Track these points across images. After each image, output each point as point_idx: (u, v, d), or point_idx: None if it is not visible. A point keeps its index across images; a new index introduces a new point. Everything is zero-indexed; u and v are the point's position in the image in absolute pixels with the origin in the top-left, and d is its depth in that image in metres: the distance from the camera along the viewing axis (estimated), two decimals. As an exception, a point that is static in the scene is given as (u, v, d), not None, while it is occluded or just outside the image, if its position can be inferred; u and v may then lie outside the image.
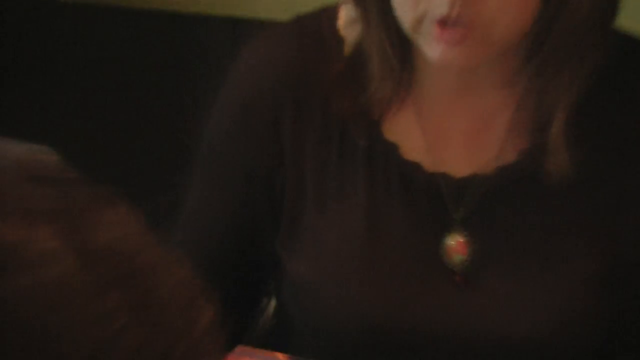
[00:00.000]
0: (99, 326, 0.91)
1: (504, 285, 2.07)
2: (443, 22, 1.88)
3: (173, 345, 0.96)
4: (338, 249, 2.13)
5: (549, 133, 2.02)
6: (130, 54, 3.49)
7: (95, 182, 0.98)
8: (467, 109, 2.11)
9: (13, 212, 0.92)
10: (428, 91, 2.10)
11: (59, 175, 1.00)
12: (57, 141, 1.09)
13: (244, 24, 2.82)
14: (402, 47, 2.05)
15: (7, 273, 0.88)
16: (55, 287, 0.90)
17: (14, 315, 0.88)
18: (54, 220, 0.94)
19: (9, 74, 3.48)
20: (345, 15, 2.11)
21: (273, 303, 2.40)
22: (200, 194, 2.27)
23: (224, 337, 1.01)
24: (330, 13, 2.13)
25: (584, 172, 2.04)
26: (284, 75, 2.16)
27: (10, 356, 0.88)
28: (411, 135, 2.11)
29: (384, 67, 2.06)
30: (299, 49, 2.16)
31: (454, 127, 2.12)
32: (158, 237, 0.99)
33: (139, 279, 0.96)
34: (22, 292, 0.88)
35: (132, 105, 3.37)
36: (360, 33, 2.08)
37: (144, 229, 0.99)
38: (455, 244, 2.05)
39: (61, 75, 3.49)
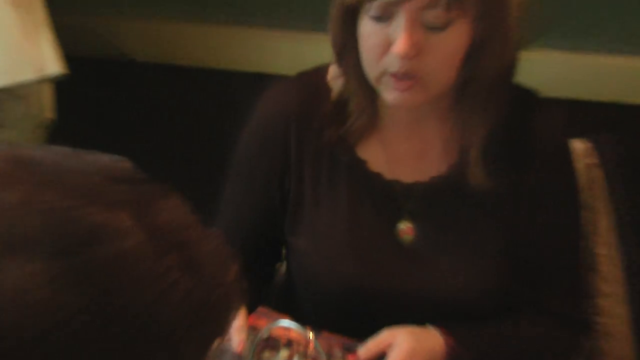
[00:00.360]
0: (160, 279, 1.18)
1: (438, 258, 2.49)
2: (395, 76, 2.28)
3: (211, 292, 1.24)
4: (327, 232, 2.55)
5: (469, 154, 2.43)
6: (184, 99, 3.77)
7: (158, 182, 1.29)
8: (413, 136, 2.53)
9: (100, 202, 1.20)
10: (387, 124, 2.52)
11: (131, 176, 1.28)
12: (135, 157, 1.34)
13: (265, 77, 2.98)
14: (369, 94, 2.44)
15: (97, 243, 1.16)
16: (129, 253, 1.17)
17: (102, 271, 1.14)
18: (128, 207, 1.21)
19: (102, 119, 3.72)
20: (333, 72, 2.52)
21: (284, 267, 2.82)
22: (233, 193, 2.69)
23: (245, 286, 1.31)
24: (322, 70, 2.57)
25: (493, 181, 2.42)
26: (290, 113, 2.57)
27: (103, 298, 1.15)
28: (376, 154, 2.53)
29: (357, 108, 2.47)
30: (301, 95, 2.58)
31: (405, 148, 2.54)
32: (199, 219, 1.28)
33: (187, 247, 1.23)
34: (107, 257, 1.15)
35: (186, 135, 3.69)
36: (342, 85, 2.49)
37: (191, 213, 1.28)
38: (405, 228, 2.47)
39: (139, 117, 3.79)
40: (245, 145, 2.67)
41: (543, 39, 3.20)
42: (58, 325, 1.12)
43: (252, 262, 2.56)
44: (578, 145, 2.92)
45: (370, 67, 2.36)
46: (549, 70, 3.10)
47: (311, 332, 2.26)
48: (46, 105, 3.34)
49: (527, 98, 2.57)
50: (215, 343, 1.30)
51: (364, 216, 2.55)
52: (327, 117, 2.54)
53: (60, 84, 3.34)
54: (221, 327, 1.29)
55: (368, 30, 2.34)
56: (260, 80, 2.77)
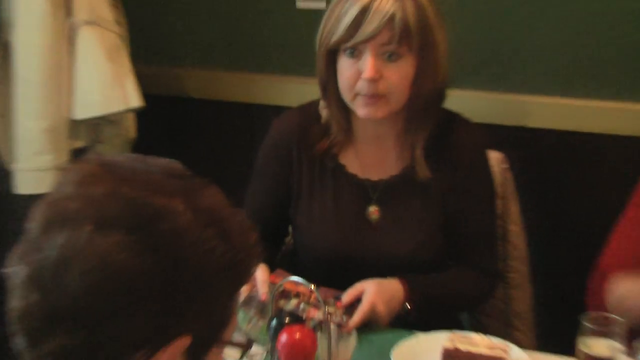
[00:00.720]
0: (203, 245, 1.41)
1: (395, 231, 2.89)
2: (366, 96, 2.72)
3: (238, 253, 1.47)
4: (318, 215, 2.95)
5: (417, 155, 2.83)
6: (225, 123, 3.96)
7: (199, 177, 1.51)
8: (377, 148, 2.93)
9: (161, 192, 1.42)
10: (359, 140, 2.93)
11: (181, 173, 1.50)
12: (188, 161, 1.57)
13: (279, 108, 3.31)
14: (346, 118, 2.88)
15: (159, 221, 1.38)
16: (181, 228, 1.40)
17: (163, 240, 1.37)
18: (180, 195, 1.43)
19: (168, 138, 3.99)
20: (321, 104, 2.94)
21: (290, 240, 3.16)
22: (254, 189, 3.04)
23: (262, 250, 1.54)
24: (315, 103, 2.98)
25: (432, 176, 2.84)
26: (293, 133, 2.97)
27: (165, 259, 1.36)
28: (352, 160, 2.94)
29: (337, 128, 2.90)
30: (300, 120, 2.99)
31: (372, 156, 2.93)
32: (230, 203, 1.51)
33: (221, 222, 1.46)
34: (166, 230, 1.38)
35: (225, 149, 3.91)
36: (327, 113, 2.91)
37: (223, 198, 1.51)
38: (373, 211, 2.92)
39: (194, 136, 4.04)
40: (262, 155, 3.04)
41: (471, 82, 3.51)
42: (133, 278, 1.34)
43: (268, 237, 2.92)
44: (495, 155, 3.22)
45: (347, 91, 2.76)
46: (475, 103, 3.38)
47: (313, 285, 2.36)
48: (130, 128, 3.67)
49: (454, 118, 2.93)
50: (241, 289, 1.58)
51: (344, 204, 2.95)
52: (318, 135, 2.95)
53: (139, 114, 3.64)
54: (245, 278, 1.53)
55: (344, 65, 2.74)
56: (276, 110, 3.18)
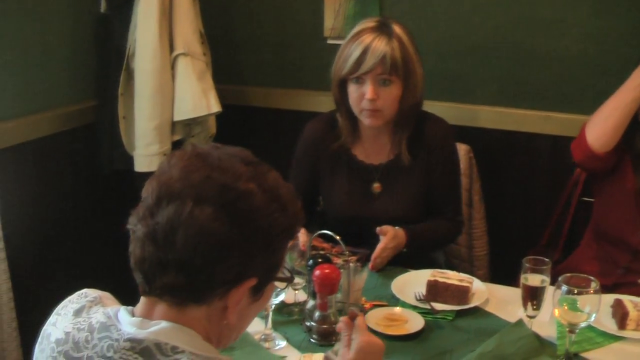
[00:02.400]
0: (270, 214, 1.40)
1: (392, 199, 2.85)
2: (368, 111, 2.72)
3: (290, 219, 1.45)
4: (338, 190, 2.90)
5: (401, 147, 2.82)
6: (277, 124, 3.91)
7: (264, 165, 1.47)
8: (376, 142, 2.88)
9: (241, 178, 1.39)
10: (363, 137, 2.89)
11: (252, 160, 1.46)
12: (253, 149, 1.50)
13: (313, 113, 3.16)
14: (353, 124, 2.86)
15: (240, 199, 1.36)
16: (255, 203, 1.38)
17: (243, 212, 1.36)
18: (252, 179, 1.40)
19: (238, 133, 3.89)
20: (337, 114, 2.89)
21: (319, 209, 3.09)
22: (294, 176, 2.96)
23: (305, 215, 1.51)
24: (334, 111, 2.92)
25: (415, 160, 2.82)
26: (318, 134, 2.93)
27: (244, 225, 1.35)
28: (360, 151, 2.89)
29: (347, 132, 2.88)
30: (323, 124, 2.95)
31: (373, 148, 2.89)
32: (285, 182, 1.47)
33: (281, 197, 1.43)
34: (245, 205, 1.36)
35: (276, 142, 3.71)
36: (340, 121, 2.88)
37: (281, 178, 1.47)
38: (376, 186, 2.87)
39: (255, 133, 3.98)
40: (298, 151, 2.99)
41: (443, 96, 3.51)
42: (222, 240, 1.34)
43: (306, 207, 2.55)
44: (463, 147, 3.27)
45: (355, 107, 2.77)
46: (445, 110, 3.27)
47: (339, 237, 2.42)
48: (212, 127, 3.64)
49: (427, 116, 2.90)
50: (291, 242, 1.58)
51: (355, 181, 2.90)
52: (335, 135, 2.91)
53: (218, 117, 3.61)
54: (294, 235, 1.50)
55: (352, 89, 2.75)
56: (311, 115, 3.13)
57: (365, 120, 2.79)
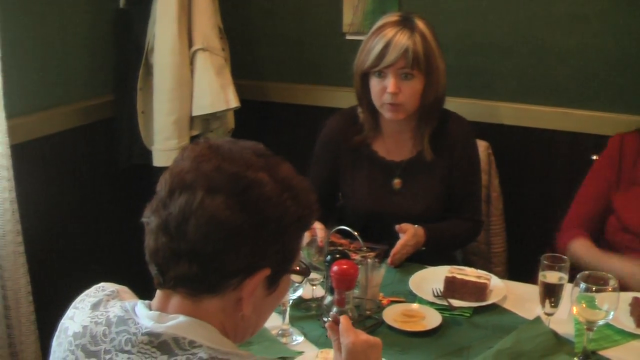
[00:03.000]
0: (281, 204, 1.40)
1: (412, 195, 2.85)
2: (389, 104, 2.73)
3: (303, 210, 1.45)
4: (359, 186, 2.90)
5: (423, 144, 2.83)
6: (296, 119, 3.90)
7: (277, 157, 1.47)
8: (397, 139, 2.89)
9: (252, 167, 1.39)
10: (385, 133, 2.90)
11: (264, 152, 1.46)
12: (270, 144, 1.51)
13: (331, 109, 3.21)
14: (375, 118, 2.86)
15: (251, 188, 1.36)
16: (266, 193, 1.38)
17: (254, 202, 1.36)
18: (265, 170, 1.41)
19: (254, 128, 3.86)
20: (359, 109, 2.90)
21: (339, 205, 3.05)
22: (314, 171, 2.97)
23: (320, 209, 1.49)
24: (355, 107, 2.94)
25: (437, 158, 2.83)
26: (339, 129, 2.93)
27: (255, 214, 1.36)
28: (380, 147, 2.89)
29: (368, 126, 2.88)
30: (345, 120, 2.96)
31: (394, 144, 2.89)
32: (299, 174, 1.46)
33: (293, 188, 1.43)
34: (256, 195, 1.36)
35: (295, 137, 3.79)
36: (362, 116, 2.89)
37: (294, 170, 1.46)
38: (397, 182, 2.87)
39: (274, 128, 3.98)
40: (318, 147, 2.99)
41: (464, 92, 3.48)
42: (232, 228, 1.35)
43: (324, 202, 2.57)
44: (482, 143, 3.24)
45: (377, 100, 2.78)
46: (466, 107, 3.29)
47: (357, 233, 2.44)
48: (230, 121, 3.62)
49: (450, 115, 2.91)
50: (305, 235, 1.57)
51: (376, 177, 2.90)
52: (356, 131, 2.92)
53: (236, 112, 3.60)
54: (307, 226, 1.50)
55: (374, 83, 2.77)
56: (330, 111, 3.13)
57: (386, 114, 2.79)
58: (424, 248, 2.74)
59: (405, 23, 2.72)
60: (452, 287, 2.44)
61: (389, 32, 2.71)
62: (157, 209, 1.38)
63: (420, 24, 2.73)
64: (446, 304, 2.39)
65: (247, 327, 1.50)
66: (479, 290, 2.42)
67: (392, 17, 2.77)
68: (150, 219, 1.40)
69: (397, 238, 2.71)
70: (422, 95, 2.76)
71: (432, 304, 2.41)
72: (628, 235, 2.77)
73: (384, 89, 2.74)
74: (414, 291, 2.47)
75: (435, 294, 2.46)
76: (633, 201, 2.78)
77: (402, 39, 2.68)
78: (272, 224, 1.38)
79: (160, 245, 1.37)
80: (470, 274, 2.48)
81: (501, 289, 2.49)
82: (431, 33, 2.74)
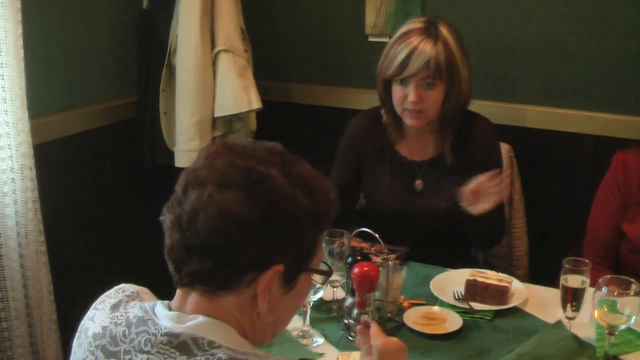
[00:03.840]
0: (293, 199, 1.39)
1: (433, 196, 2.86)
2: (410, 112, 2.76)
3: (319, 206, 1.45)
4: (380, 186, 2.92)
5: (445, 146, 2.85)
6: (318, 119, 3.91)
7: (293, 155, 1.47)
8: (419, 140, 2.90)
9: (264, 163, 1.41)
10: (407, 135, 2.91)
11: (279, 150, 1.47)
12: (289, 144, 1.52)
13: (354, 110, 3.27)
14: (397, 121, 2.87)
15: (262, 182, 1.37)
16: (277, 187, 1.38)
17: (265, 196, 1.37)
18: (275, 164, 1.41)
19: (277, 129, 3.81)
20: (382, 110, 2.91)
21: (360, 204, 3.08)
22: (336, 169, 2.99)
23: (340, 206, 1.50)
24: (379, 107, 2.94)
25: (458, 160, 2.84)
26: (363, 129, 2.97)
27: (266, 207, 1.36)
28: (403, 148, 2.91)
29: (392, 127, 2.90)
30: (369, 120, 2.98)
31: (416, 145, 2.91)
32: (316, 170, 1.47)
33: (307, 183, 1.43)
34: (267, 189, 1.37)
35: (316, 136, 3.89)
36: (385, 118, 2.91)
37: (312, 168, 1.47)
38: (418, 183, 2.89)
39: (295, 128, 3.99)
40: (342, 146, 3.02)
41: (489, 95, 3.49)
42: (244, 222, 1.35)
43: (346, 200, 2.83)
44: (505, 146, 3.22)
45: (398, 107, 2.81)
46: (490, 109, 3.26)
47: (378, 235, 2.41)
48: (252, 123, 3.63)
49: (474, 117, 2.92)
50: (323, 234, 1.50)
51: (398, 178, 2.91)
52: (380, 131, 2.94)
53: (259, 113, 3.60)
54: (324, 224, 1.48)
55: (396, 90, 2.79)
56: (352, 112, 3.19)
57: (407, 120, 2.81)
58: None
59: (430, 30, 2.73)
60: (474, 290, 2.44)
61: (414, 41, 2.72)
62: (172, 206, 1.40)
63: (444, 31, 2.73)
64: (467, 307, 2.39)
65: (266, 328, 1.49)
66: (500, 293, 2.42)
67: (417, 23, 2.77)
68: (165, 216, 1.42)
69: (418, 239, 2.77)
70: (443, 103, 2.78)
71: (452, 306, 2.40)
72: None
73: (405, 97, 2.75)
74: (435, 294, 2.47)
75: (456, 296, 2.45)
76: None
77: (426, 49, 2.69)
78: (283, 217, 1.38)
79: (174, 241, 1.39)
80: (491, 277, 2.47)
81: (522, 292, 2.49)
82: (455, 40, 2.75)
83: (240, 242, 1.35)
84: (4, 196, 2.88)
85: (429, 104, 2.76)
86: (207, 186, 1.36)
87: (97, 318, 1.48)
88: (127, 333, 1.40)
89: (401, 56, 2.72)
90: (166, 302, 1.45)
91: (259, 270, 1.39)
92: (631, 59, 3.27)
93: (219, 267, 1.37)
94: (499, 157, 2.96)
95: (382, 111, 2.93)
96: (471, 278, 2.46)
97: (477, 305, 2.40)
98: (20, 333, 2.97)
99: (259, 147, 1.44)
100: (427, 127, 2.86)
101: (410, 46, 2.71)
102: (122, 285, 1.56)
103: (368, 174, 2.96)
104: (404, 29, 2.78)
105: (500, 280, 2.46)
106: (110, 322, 1.44)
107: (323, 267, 1.57)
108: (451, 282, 2.53)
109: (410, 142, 2.93)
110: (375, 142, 2.93)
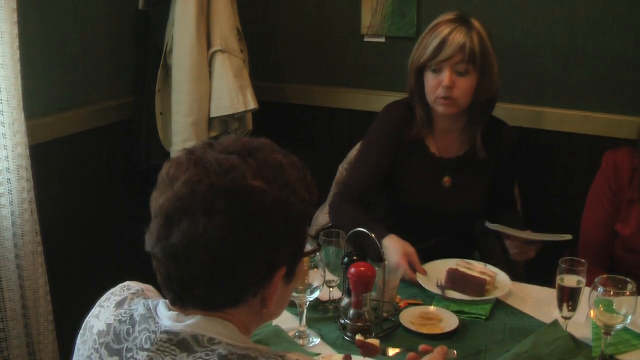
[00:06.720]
0: (283, 203, 1.36)
1: (461, 193, 2.92)
2: (443, 98, 2.79)
3: (306, 194, 1.43)
4: (409, 181, 2.93)
5: (475, 143, 2.90)
6: (317, 121, 3.88)
7: (263, 147, 1.41)
8: (449, 136, 2.94)
9: (242, 175, 1.34)
10: (437, 130, 2.94)
11: (247, 149, 1.39)
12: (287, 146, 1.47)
13: (350, 111, 3.38)
14: (428, 115, 2.91)
15: (247, 202, 1.33)
16: (267, 199, 1.34)
17: (252, 217, 1.33)
18: (256, 174, 1.35)
19: (275, 129, 3.75)
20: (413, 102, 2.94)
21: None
22: (368, 158, 2.96)
23: (316, 197, 1.46)
24: (408, 99, 2.98)
25: (487, 157, 2.90)
26: (397, 120, 2.95)
27: (256, 230, 1.33)
28: (432, 143, 2.94)
29: (422, 120, 2.92)
30: (406, 111, 2.97)
31: (445, 141, 2.95)
32: (306, 174, 1.44)
33: (288, 182, 1.39)
34: (254, 207, 1.33)
35: (317, 138, 3.86)
36: (416, 111, 2.91)
37: (283, 157, 1.41)
38: (446, 179, 2.93)
39: (293, 129, 3.98)
40: (378, 133, 3.00)
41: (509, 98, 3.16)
42: (242, 245, 1.33)
43: (371, 191, 2.96)
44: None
45: (431, 94, 2.85)
46: (511, 112, 3.14)
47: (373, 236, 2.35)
48: (249, 123, 3.65)
49: (501, 123, 3.02)
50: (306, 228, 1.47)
51: (426, 174, 2.95)
52: (410, 125, 2.95)
53: (255, 113, 3.64)
54: (308, 219, 1.47)
55: (429, 77, 2.85)
56: (348, 113, 3.27)
57: (438, 107, 2.86)
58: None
59: (461, 21, 2.81)
60: (453, 279, 2.50)
61: (445, 29, 2.80)
62: (159, 239, 1.36)
63: (476, 23, 2.81)
64: (440, 293, 2.47)
65: (271, 317, 1.53)
66: (477, 285, 2.48)
67: (448, 15, 2.85)
68: (154, 249, 1.38)
69: (443, 235, 2.92)
70: (474, 92, 2.84)
71: (427, 290, 2.48)
72: (634, 255, 2.79)
73: (438, 83, 2.81)
74: (420, 282, 2.52)
75: (439, 284, 2.52)
76: (635, 221, 2.78)
77: (459, 36, 2.76)
78: (279, 229, 1.36)
79: (172, 272, 1.37)
80: (476, 268, 2.55)
81: (505, 285, 2.53)
82: (486, 33, 2.83)
83: (245, 264, 1.34)
84: (0, 197, 2.87)
85: (461, 92, 2.82)
86: (196, 217, 1.31)
87: (102, 315, 1.48)
88: (130, 331, 1.40)
89: (434, 43, 2.79)
90: (168, 300, 1.45)
91: (264, 281, 1.39)
92: (626, 59, 3.27)
93: (226, 289, 1.37)
94: (519, 160, 3.09)
95: (413, 104, 2.96)
96: (453, 267, 2.52)
97: (455, 294, 2.46)
98: (17, 333, 2.96)
99: (229, 156, 1.36)
100: (454, 122, 2.93)
101: (442, 34, 2.79)
102: (127, 283, 1.57)
103: (400, 167, 2.98)
104: (435, 21, 2.86)
105: (483, 272, 2.51)
106: (115, 320, 1.44)
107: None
108: (439, 270, 2.58)
109: (438, 139, 2.98)
110: (406, 136, 2.96)
